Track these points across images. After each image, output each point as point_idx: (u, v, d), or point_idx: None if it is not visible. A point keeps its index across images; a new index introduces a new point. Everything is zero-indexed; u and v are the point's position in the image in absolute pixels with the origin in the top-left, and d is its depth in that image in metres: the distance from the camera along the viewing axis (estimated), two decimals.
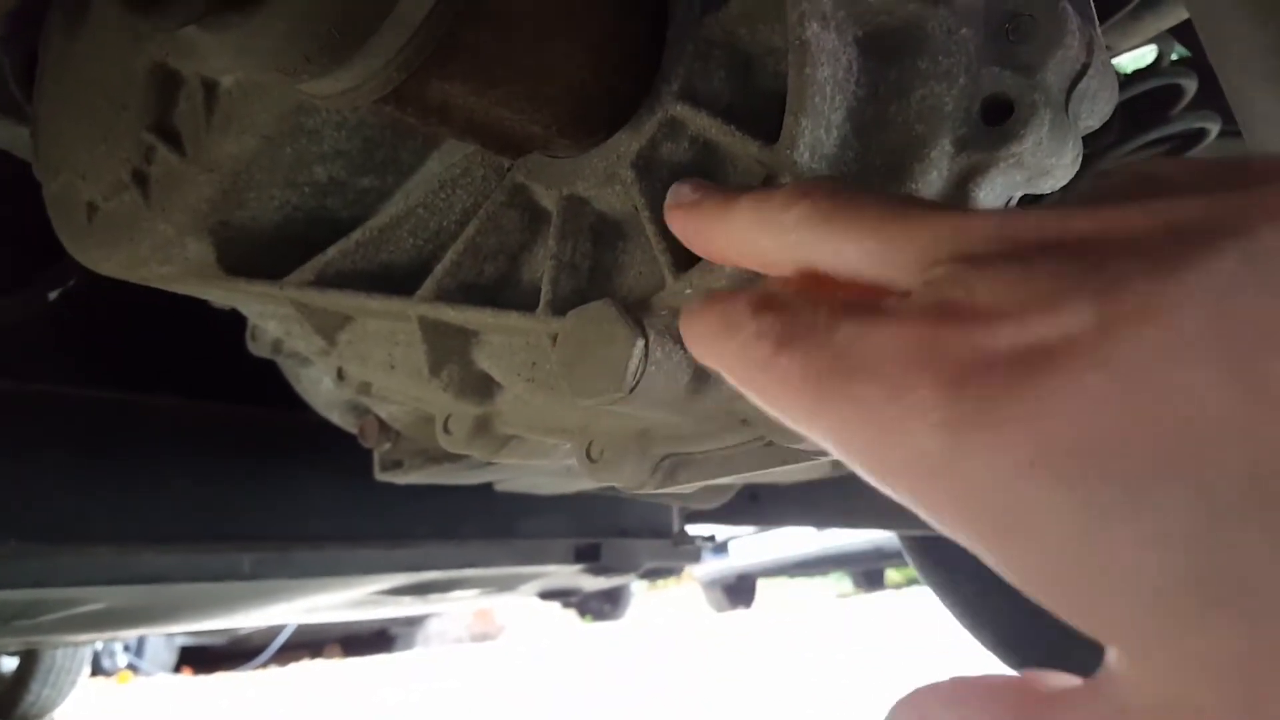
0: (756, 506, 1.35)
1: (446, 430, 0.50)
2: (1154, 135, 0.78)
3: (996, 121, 0.33)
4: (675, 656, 4.01)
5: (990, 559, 0.17)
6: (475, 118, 0.35)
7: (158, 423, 1.00)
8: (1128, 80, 0.78)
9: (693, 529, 1.48)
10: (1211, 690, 0.14)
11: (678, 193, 0.29)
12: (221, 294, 0.54)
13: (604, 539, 1.29)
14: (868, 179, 0.34)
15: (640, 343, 0.36)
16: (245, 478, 1.02)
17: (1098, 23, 0.37)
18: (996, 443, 0.16)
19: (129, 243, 0.50)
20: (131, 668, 4.59)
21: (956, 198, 0.34)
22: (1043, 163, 0.34)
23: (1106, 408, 0.15)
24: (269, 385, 0.85)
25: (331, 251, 0.48)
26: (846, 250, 0.22)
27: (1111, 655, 0.16)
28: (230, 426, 1.05)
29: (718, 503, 0.89)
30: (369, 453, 0.77)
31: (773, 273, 0.25)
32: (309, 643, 5.17)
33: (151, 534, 0.95)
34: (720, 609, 6.20)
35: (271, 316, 0.56)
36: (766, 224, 0.24)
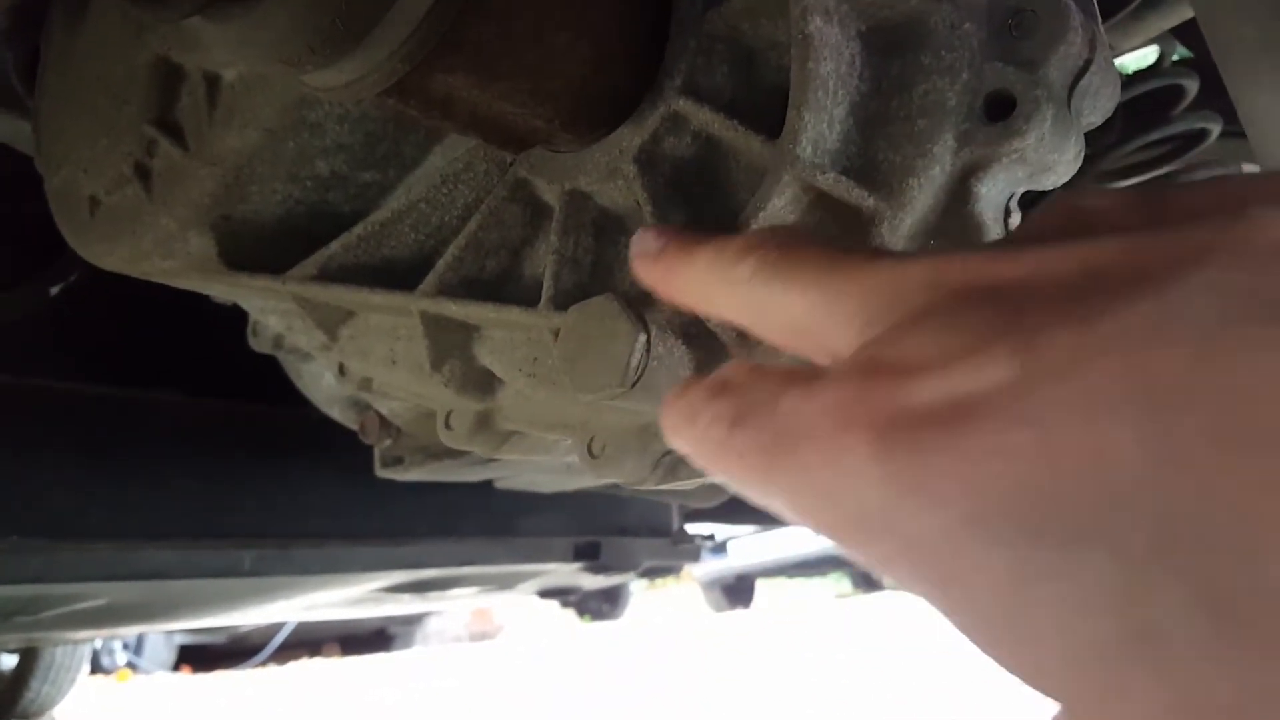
0: (756, 506, 1.35)
1: (448, 426, 0.50)
2: (1155, 135, 0.78)
3: (999, 117, 0.33)
4: (674, 656, 4.01)
5: (937, 610, 0.18)
6: (478, 111, 0.35)
7: (158, 419, 1.00)
8: (1130, 80, 0.78)
9: (692, 528, 1.48)
10: None
11: (642, 241, 0.30)
12: (223, 289, 0.54)
13: (603, 537, 1.29)
14: (870, 174, 0.34)
15: (642, 338, 0.36)
16: (245, 474, 1.02)
17: (1100, 20, 0.37)
18: (931, 500, 0.17)
19: (131, 237, 0.50)
20: (130, 666, 4.59)
21: (959, 193, 0.34)
22: (1045, 159, 0.34)
23: (1031, 466, 0.16)
24: (269, 382, 0.85)
25: (333, 246, 0.48)
26: (793, 303, 0.23)
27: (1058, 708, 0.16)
28: (231, 423, 1.05)
29: (717, 501, 0.89)
30: (369, 449, 0.77)
31: (732, 318, 0.26)
32: (308, 641, 5.17)
33: (152, 530, 0.95)
34: (719, 609, 6.20)
35: (273, 312, 0.56)
36: (722, 277, 0.25)
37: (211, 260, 0.50)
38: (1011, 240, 0.20)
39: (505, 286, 0.45)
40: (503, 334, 0.45)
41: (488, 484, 1.03)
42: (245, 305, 0.60)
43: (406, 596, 1.37)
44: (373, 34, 0.30)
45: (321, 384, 0.78)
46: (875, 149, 0.34)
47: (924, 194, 0.34)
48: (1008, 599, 0.16)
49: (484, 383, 0.47)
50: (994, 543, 0.16)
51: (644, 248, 0.29)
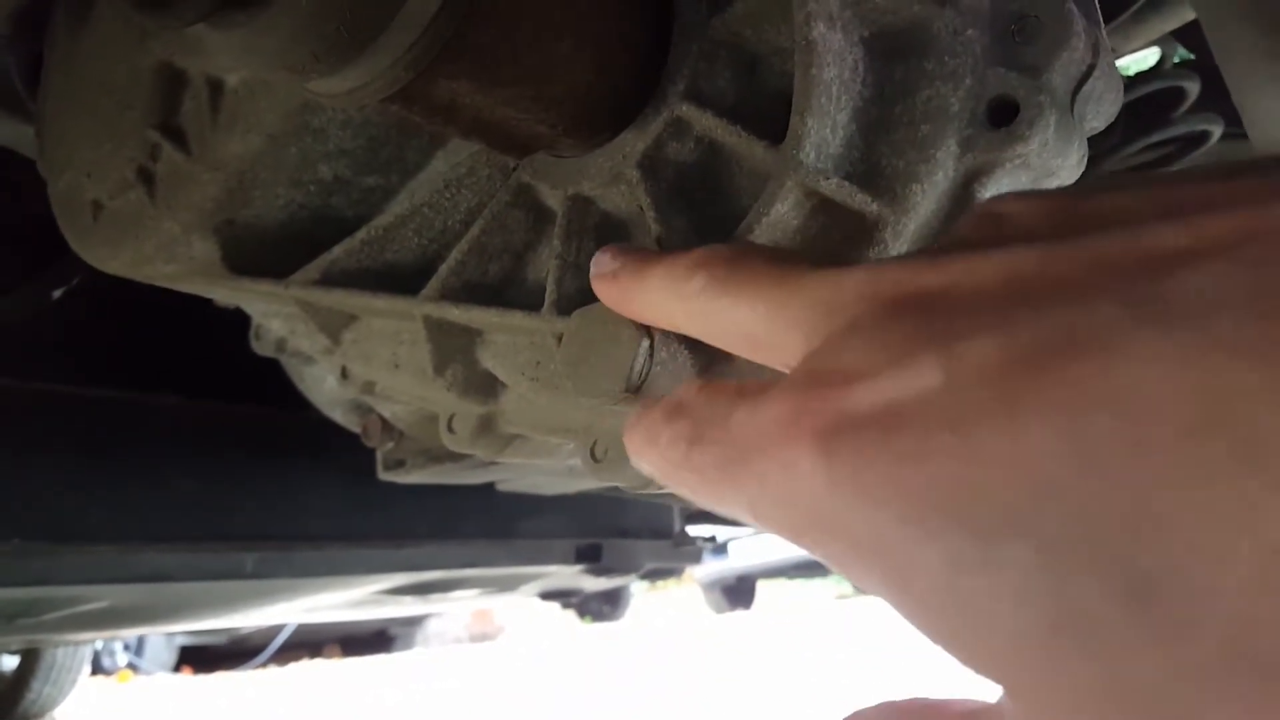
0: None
1: (450, 429, 0.50)
2: (1157, 137, 0.78)
3: (1002, 123, 0.33)
4: (675, 658, 4.01)
5: (889, 605, 0.19)
6: (481, 117, 0.35)
7: (159, 422, 1.00)
8: (1131, 82, 0.78)
9: (693, 530, 1.48)
10: None
11: (599, 262, 0.31)
12: (226, 293, 0.54)
13: (605, 539, 1.29)
14: (873, 180, 0.34)
15: (645, 342, 0.36)
16: (247, 477, 1.03)
17: (1103, 24, 0.37)
18: (871, 501, 0.18)
19: (134, 241, 0.51)
20: (131, 667, 4.59)
21: (962, 198, 0.34)
22: (1048, 164, 0.34)
23: (958, 465, 0.17)
24: (270, 384, 0.85)
25: (336, 250, 0.48)
26: (741, 315, 0.24)
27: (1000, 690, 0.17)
28: (232, 426, 1.05)
29: None
30: (371, 452, 0.77)
31: (689, 333, 0.28)
32: (308, 642, 5.17)
33: (153, 533, 0.95)
34: (720, 610, 6.20)
35: (276, 315, 0.56)
36: (675, 292, 0.27)
37: (215, 264, 0.50)
38: (939, 248, 0.21)
39: (508, 291, 0.45)
40: (505, 338, 0.45)
41: (489, 487, 1.03)
42: (248, 309, 0.60)
43: (408, 598, 1.37)
44: (377, 41, 0.30)
45: (324, 387, 0.78)
46: (878, 154, 0.34)
47: (927, 199, 0.34)
48: (945, 591, 0.17)
49: (486, 387, 0.47)
50: (927, 539, 0.17)
51: (601, 269, 0.31)
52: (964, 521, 0.16)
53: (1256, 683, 0.13)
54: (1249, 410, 0.14)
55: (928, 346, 0.18)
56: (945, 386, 0.17)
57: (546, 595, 1.62)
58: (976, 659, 0.17)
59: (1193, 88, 0.77)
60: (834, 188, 0.33)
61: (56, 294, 0.88)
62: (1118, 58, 0.74)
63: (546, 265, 0.42)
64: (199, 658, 4.89)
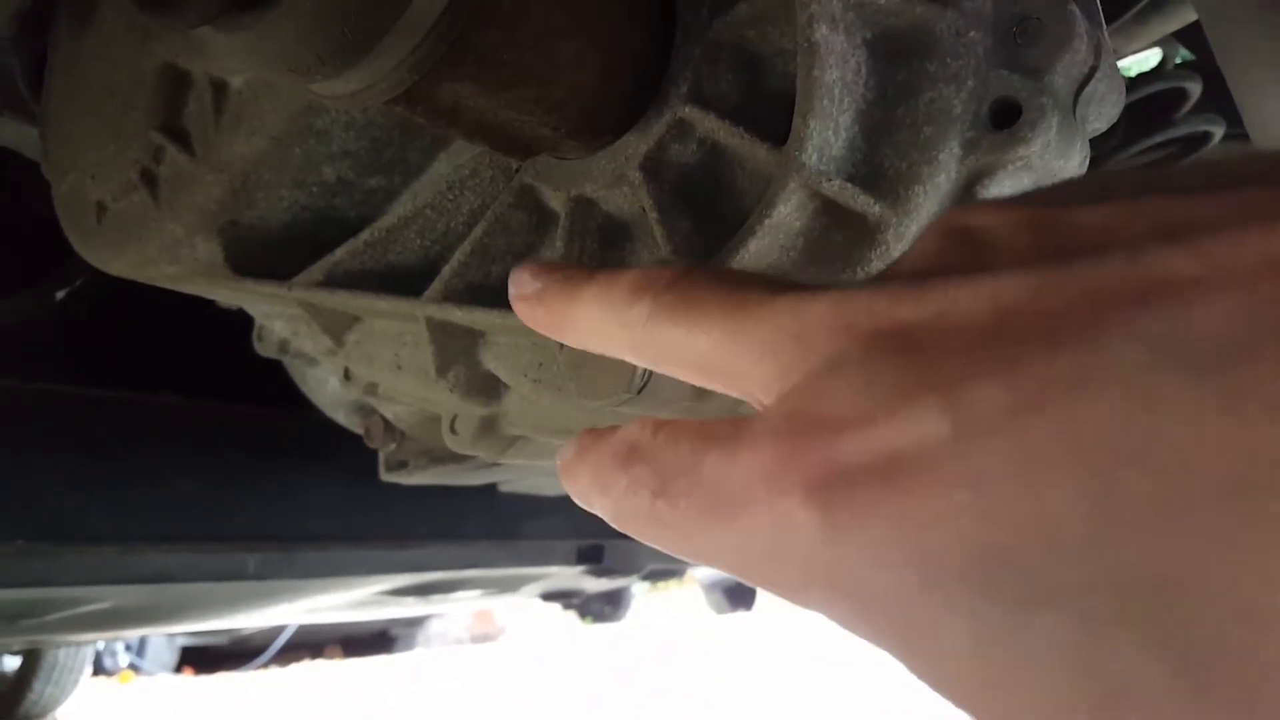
0: None
1: (453, 431, 0.50)
2: (1158, 138, 0.78)
3: (1004, 124, 0.33)
4: (676, 659, 4.01)
5: (906, 669, 0.17)
6: (485, 119, 0.35)
7: (161, 423, 1.00)
8: (1132, 83, 0.78)
9: None
10: None
11: (517, 281, 0.28)
12: (229, 294, 0.54)
13: (606, 540, 1.29)
14: (876, 181, 0.34)
15: None
16: (249, 478, 1.03)
17: (1105, 26, 0.37)
18: (881, 562, 0.17)
19: (138, 242, 0.51)
20: (133, 667, 4.59)
21: (965, 200, 0.34)
22: (1050, 165, 0.34)
23: (977, 527, 0.16)
24: (273, 385, 0.85)
25: (340, 252, 0.48)
26: (696, 344, 0.22)
27: None
28: (234, 426, 1.05)
29: None
30: (373, 453, 0.77)
31: (631, 360, 0.25)
32: (310, 643, 5.17)
33: (155, 533, 0.95)
34: (721, 611, 6.19)
35: (279, 317, 0.56)
36: (615, 319, 0.24)
37: (218, 266, 0.50)
38: (911, 271, 0.19)
39: None
40: (508, 340, 0.45)
41: (491, 488, 1.03)
42: (251, 310, 0.60)
43: (410, 599, 1.37)
44: (381, 43, 0.30)
45: (326, 388, 0.78)
46: (881, 156, 0.34)
47: (929, 201, 0.34)
48: (973, 661, 0.16)
49: (489, 388, 0.47)
50: (951, 606, 0.16)
51: (520, 289, 0.28)
52: (990, 589, 0.15)
53: None
54: None
55: (926, 391, 0.17)
56: (953, 437, 0.16)
57: (548, 596, 1.62)
58: None
59: (1194, 89, 0.77)
60: (836, 189, 0.33)
61: (60, 295, 0.89)
62: (1119, 59, 0.74)
63: None
64: (200, 658, 4.89)
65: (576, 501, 0.25)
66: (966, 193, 0.35)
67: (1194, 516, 0.14)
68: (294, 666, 4.88)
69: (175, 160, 0.48)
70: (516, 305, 0.28)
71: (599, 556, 1.28)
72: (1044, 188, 0.21)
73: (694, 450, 0.21)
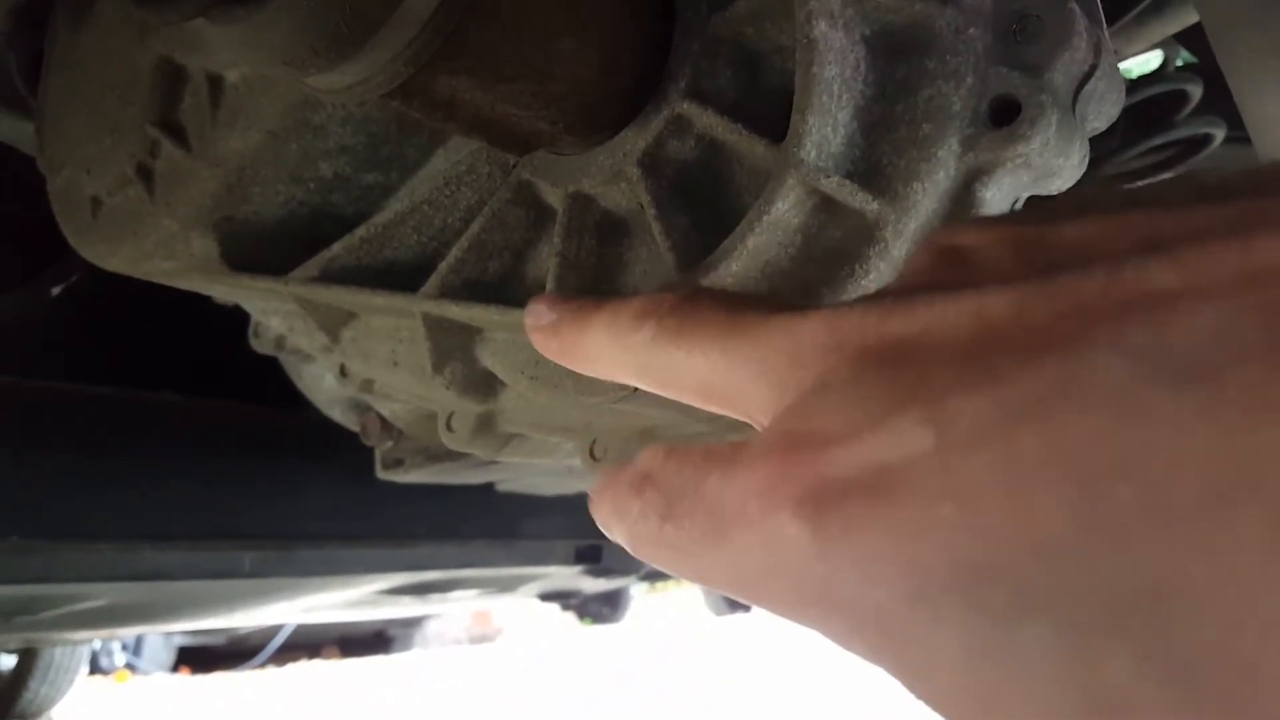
0: None
1: (449, 428, 0.50)
2: (1159, 140, 0.78)
3: (1004, 122, 0.33)
4: (674, 660, 4.01)
5: (900, 685, 0.17)
6: (482, 114, 0.35)
7: (159, 420, 1.00)
8: (1133, 85, 0.78)
9: None
10: None
11: (535, 313, 0.29)
12: (225, 290, 0.54)
13: (605, 540, 1.28)
14: (874, 178, 0.34)
15: None
16: (246, 475, 1.02)
17: (1105, 25, 0.37)
18: (871, 576, 0.17)
19: (133, 238, 0.50)
20: (129, 667, 4.58)
21: (963, 198, 0.34)
22: (1050, 164, 0.34)
23: (963, 540, 0.16)
24: (270, 383, 0.85)
25: (336, 247, 0.48)
26: (695, 366, 0.23)
27: None
28: (231, 424, 1.05)
29: None
30: (370, 451, 0.77)
31: (639, 385, 0.26)
32: (307, 643, 5.16)
33: (152, 531, 0.95)
34: (719, 613, 6.19)
35: (275, 313, 0.56)
36: (621, 345, 0.25)
37: (214, 261, 0.50)
38: (899, 289, 0.20)
39: (508, 288, 0.45)
40: (505, 336, 0.45)
41: (489, 486, 1.02)
42: (247, 306, 0.60)
43: (407, 599, 1.36)
44: (377, 36, 0.30)
45: (323, 385, 0.78)
46: (879, 153, 0.34)
47: (928, 198, 0.34)
48: (964, 674, 0.16)
49: (486, 385, 0.47)
50: (940, 620, 0.16)
51: (537, 320, 0.29)
52: (978, 602, 0.15)
53: None
54: (1277, 473, 0.13)
55: (910, 404, 0.17)
56: (937, 449, 0.16)
57: (546, 596, 1.62)
58: None
59: (1195, 91, 0.77)
60: (835, 186, 0.33)
61: (55, 291, 0.88)
62: (1120, 60, 0.74)
63: (546, 263, 0.42)
64: (197, 658, 4.89)
65: (605, 533, 0.25)
66: (965, 190, 0.34)
67: (1179, 525, 0.14)
68: (291, 666, 4.87)
69: (171, 155, 0.48)
70: (533, 337, 0.29)
71: (597, 556, 1.28)
72: (1029, 207, 0.21)
73: (697, 472, 0.21)
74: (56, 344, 1.01)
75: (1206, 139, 0.79)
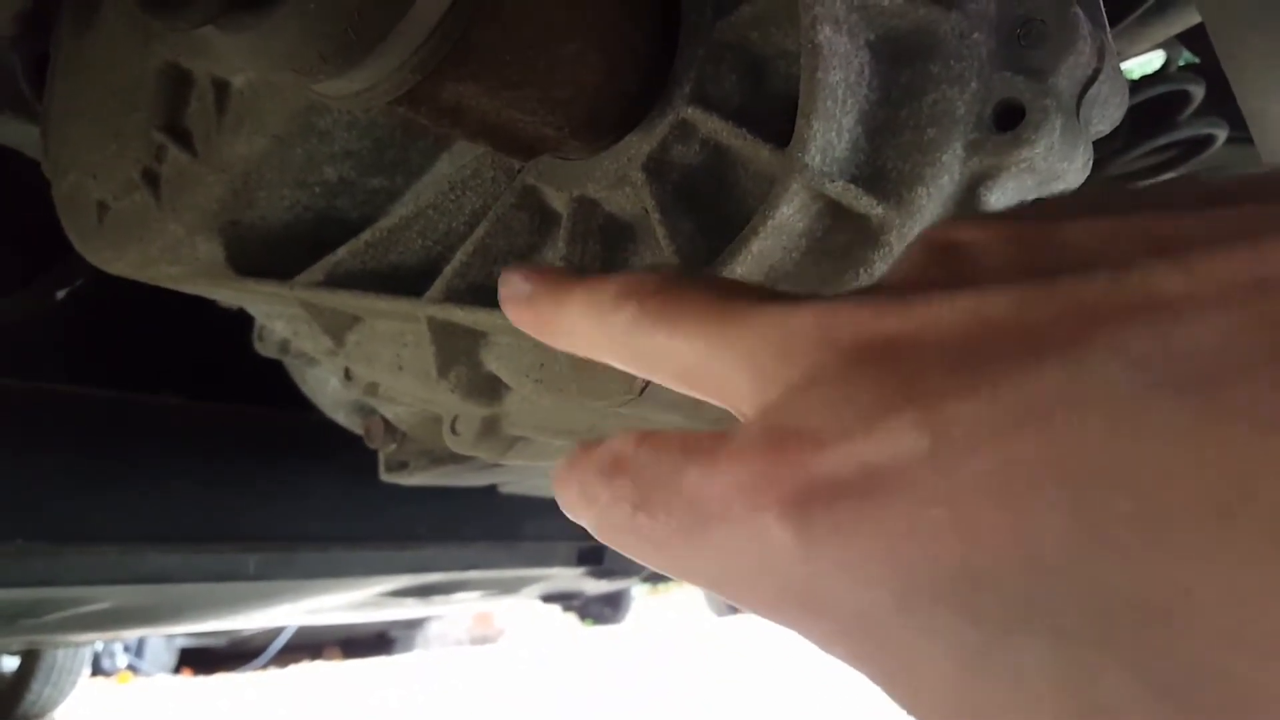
0: None
1: (454, 431, 0.50)
2: (1161, 141, 0.78)
3: (1008, 126, 0.33)
4: (676, 661, 4.01)
5: (884, 694, 0.17)
6: (488, 119, 0.35)
7: (162, 423, 1.00)
8: (1135, 86, 0.78)
9: None
10: None
11: (508, 283, 0.28)
12: (230, 294, 0.54)
13: None
14: (879, 183, 0.34)
15: None
16: (249, 478, 1.03)
17: (1108, 28, 0.37)
18: (859, 579, 0.16)
19: (139, 242, 0.51)
20: (131, 668, 4.59)
21: (968, 202, 0.34)
22: (1054, 168, 0.34)
23: (955, 546, 0.15)
24: (273, 385, 0.85)
25: (341, 252, 0.48)
26: (678, 350, 0.22)
27: None
28: (234, 427, 1.05)
29: None
30: (373, 454, 0.77)
31: (617, 365, 0.25)
32: (309, 644, 5.16)
33: (155, 534, 0.95)
34: (721, 613, 6.19)
35: (279, 316, 0.56)
36: (600, 324, 0.24)
37: (219, 266, 0.50)
38: (894, 285, 0.19)
39: None
40: (509, 340, 0.45)
41: (491, 488, 1.03)
42: (252, 310, 0.60)
43: (410, 601, 1.37)
44: (384, 43, 0.30)
45: (327, 389, 0.78)
46: (884, 158, 0.34)
47: (933, 203, 0.34)
48: (952, 685, 0.15)
49: (490, 388, 0.47)
50: (929, 628, 0.15)
51: (512, 291, 0.28)
52: (969, 611, 0.15)
53: None
54: (1278, 487, 0.13)
55: (904, 405, 0.16)
56: (931, 453, 0.16)
57: (548, 598, 1.62)
58: None
59: (1197, 91, 0.77)
60: (839, 190, 0.33)
61: (60, 294, 0.88)
62: (1122, 61, 0.74)
63: None
64: (199, 659, 4.89)
65: (566, 513, 0.24)
66: (970, 194, 0.35)
67: (1176, 537, 0.13)
68: (293, 668, 4.87)
69: (177, 160, 0.48)
70: (505, 307, 0.28)
71: (599, 558, 1.28)
72: (1031, 203, 0.20)
73: (675, 463, 0.20)
74: (60, 347, 1.01)
75: (1209, 139, 0.79)
